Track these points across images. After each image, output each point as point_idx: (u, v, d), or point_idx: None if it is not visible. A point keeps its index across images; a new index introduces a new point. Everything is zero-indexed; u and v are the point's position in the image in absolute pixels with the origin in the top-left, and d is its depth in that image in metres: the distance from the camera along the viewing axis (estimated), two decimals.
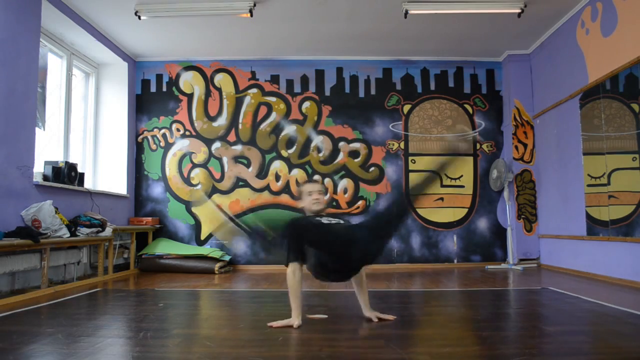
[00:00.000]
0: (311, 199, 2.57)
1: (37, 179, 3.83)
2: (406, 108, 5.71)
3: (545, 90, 5.22)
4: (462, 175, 5.65)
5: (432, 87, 5.74)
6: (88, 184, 5.05)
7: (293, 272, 2.38)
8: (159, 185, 5.64)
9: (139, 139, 5.69)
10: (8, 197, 3.45)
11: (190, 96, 5.72)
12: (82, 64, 5.19)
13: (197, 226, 5.57)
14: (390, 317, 2.53)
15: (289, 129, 5.65)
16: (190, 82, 5.73)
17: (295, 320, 2.36)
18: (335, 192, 5.55)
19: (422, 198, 3.99)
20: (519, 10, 4.36)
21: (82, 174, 4.50)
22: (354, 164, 5.62)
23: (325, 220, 2.49)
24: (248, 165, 5.63)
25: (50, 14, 4.14)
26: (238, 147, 5.65)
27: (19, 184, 3.57)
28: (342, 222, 2.53)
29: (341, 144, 5.65)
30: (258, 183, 5.60)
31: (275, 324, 2.37)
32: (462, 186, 5.64)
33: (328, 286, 3.62)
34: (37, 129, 3.91)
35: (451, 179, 5.64)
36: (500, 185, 5.34)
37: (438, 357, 1.83)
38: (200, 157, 5.65)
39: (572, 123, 4.59)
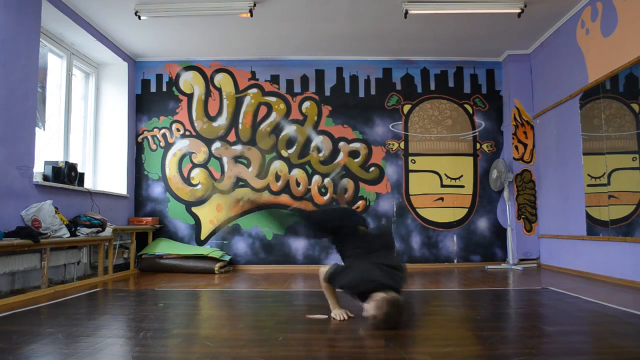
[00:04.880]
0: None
1: (37, 179, 3.83)
2: (406, 108, 5.71)
3: (545, 90, 5.22)
4: (462, 175, 5.65)
5: (432, 87, 5.74)
6: (88, 184, 5.05)
7: None
8: (159, 185, 5.64)
9: (139, 139, 5.69)
10: (8, 197, 3.45)
11: (190, 96, 5.72)
12: (82, 64, 5.19)
13: (197, 226, 5.57)
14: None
15: (289, 129, 5.66)
16: (190, 82, 5.74)
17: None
18: (335, 192, 5.55)
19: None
20: (519, 10, 4.36)
21: (82, 174, 4.50)
22: (354, 164, 5.62)
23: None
24: (248, 165, 5.63)
25: (50, 14, 4.14)
26: (238, 147, 5.65)
27: (19, 184, 3.57)
28: None
29: (341, 144, 5.65)
30: (258, 183, 5.60)
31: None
32: (462, 186, 5.64)
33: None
34: (37, 129, 3.91)
35: (451, 178, 5.65)
36: (500, 185, 5.34)
37: (438, 357, 1.83)
38: (200, 157, 5.65)
39: (572, 123, 4.59)
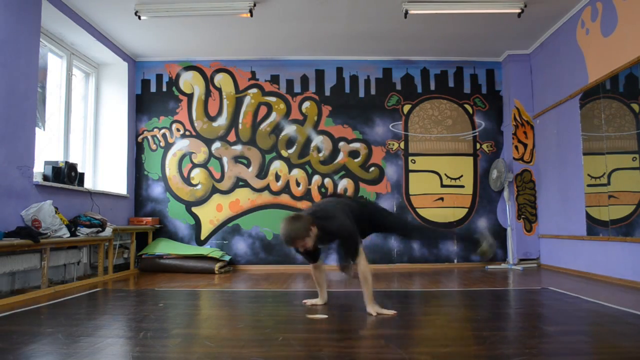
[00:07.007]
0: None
1: (37, 179, 3.83)
2: (406, 108, 5.71)
3: (545, 90, 5.22)
4: (462, 175, 5.65)
5: (432, 87, 5.74)
6: (88, 184, 5.05)
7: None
8: (159, 185, 5.64)
9: (139, 139, 5.69)
10: (8, 197, 3.45)
11: (190, 96, 5.72)
12: (82, 64, 5.19)
13: (197, 226, 5.57)
14: (390, 312, 2.59)
15: (289, 129, 5.66)
16: (190, 82, 5.74)
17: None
18: (335, 192, 5.55)
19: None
20: (519, 10, 4.36)
21: (82, 174, 4.50)
22: (354, 164, 5.62)
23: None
24: (248, 165, 5.63)
25: (50, 14, 4.14)
26: (238, 147, 5.65)
27: (19, 184, 3.57)
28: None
29: (341, 144, 5.65)
30: (258, 183, 5.60)
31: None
32: (462, 186, 5.64)
33: (328, 286, 3.61)
34: (37, 129, 3.91)
35: (451, 178, 5.64)
36: (500, 185, 5.34)
37: (438, 357, 1.83)
38: (200, 157, 5.65)
39: (572, 123, 4.59)
